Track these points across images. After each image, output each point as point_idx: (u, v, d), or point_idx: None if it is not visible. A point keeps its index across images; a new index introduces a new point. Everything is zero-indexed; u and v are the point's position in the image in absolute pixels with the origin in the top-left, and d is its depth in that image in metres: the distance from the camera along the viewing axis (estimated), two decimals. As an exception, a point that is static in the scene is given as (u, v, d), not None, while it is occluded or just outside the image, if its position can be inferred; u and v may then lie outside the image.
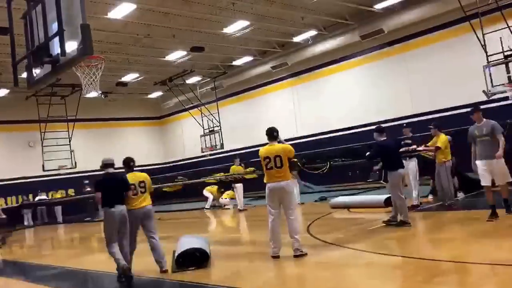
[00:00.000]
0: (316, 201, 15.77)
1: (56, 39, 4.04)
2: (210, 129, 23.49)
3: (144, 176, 7.27)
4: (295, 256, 6.89)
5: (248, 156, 19.58)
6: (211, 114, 23.35)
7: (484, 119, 8.40)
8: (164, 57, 21.33)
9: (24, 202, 22.79)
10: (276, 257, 7.02)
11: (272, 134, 7.29)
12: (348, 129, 20.48)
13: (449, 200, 10.22)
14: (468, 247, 6.67)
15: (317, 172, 13.39)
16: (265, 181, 7.19)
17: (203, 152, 24.24)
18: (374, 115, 18.94)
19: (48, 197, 23.31)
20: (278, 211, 7.11)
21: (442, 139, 10.33)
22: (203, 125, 23.28)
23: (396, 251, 7.18)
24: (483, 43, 13.57)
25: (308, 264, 6.72)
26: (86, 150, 25.25)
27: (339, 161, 14.94)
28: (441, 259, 5.99)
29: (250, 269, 7.04)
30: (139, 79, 24.60)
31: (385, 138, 8.88)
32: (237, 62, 23.98)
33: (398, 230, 8.37)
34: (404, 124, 13.02)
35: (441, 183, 10.26)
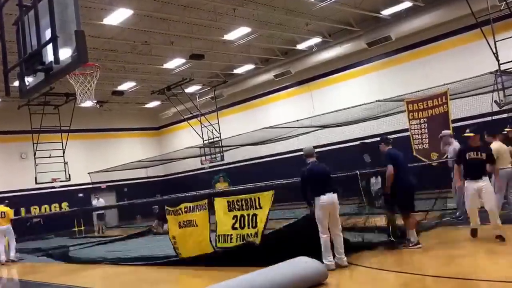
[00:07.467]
0: None
1: (50, 46, 4.08)
2: (210, 140, 22.93)
3: None
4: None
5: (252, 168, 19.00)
6: (211, 125, 22.92)
7: None
8: (162, 65, 21.32)
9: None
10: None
11: None
12: (354, 140, 19.92)
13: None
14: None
15: None
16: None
17: (202, 164, 23.74)
18: (382, 125, 18.46)
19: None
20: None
21: None
22: (202, 136, 22.84)
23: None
24: (495, 51, 13.14)
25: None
26: (81, 162, 25.06)
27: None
28: None
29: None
30: (136, 88, 24.61)
31: (314, 160, 7.45)
32: (238, 71, 24.04)
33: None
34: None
35: None
